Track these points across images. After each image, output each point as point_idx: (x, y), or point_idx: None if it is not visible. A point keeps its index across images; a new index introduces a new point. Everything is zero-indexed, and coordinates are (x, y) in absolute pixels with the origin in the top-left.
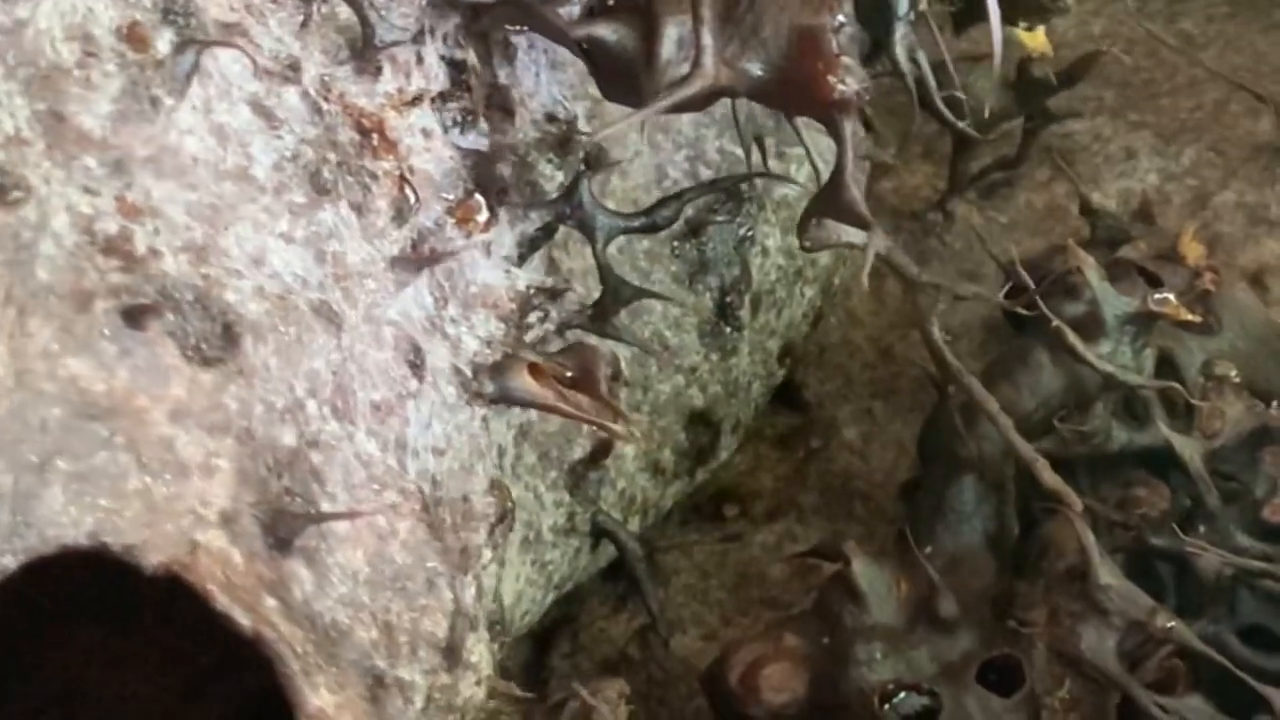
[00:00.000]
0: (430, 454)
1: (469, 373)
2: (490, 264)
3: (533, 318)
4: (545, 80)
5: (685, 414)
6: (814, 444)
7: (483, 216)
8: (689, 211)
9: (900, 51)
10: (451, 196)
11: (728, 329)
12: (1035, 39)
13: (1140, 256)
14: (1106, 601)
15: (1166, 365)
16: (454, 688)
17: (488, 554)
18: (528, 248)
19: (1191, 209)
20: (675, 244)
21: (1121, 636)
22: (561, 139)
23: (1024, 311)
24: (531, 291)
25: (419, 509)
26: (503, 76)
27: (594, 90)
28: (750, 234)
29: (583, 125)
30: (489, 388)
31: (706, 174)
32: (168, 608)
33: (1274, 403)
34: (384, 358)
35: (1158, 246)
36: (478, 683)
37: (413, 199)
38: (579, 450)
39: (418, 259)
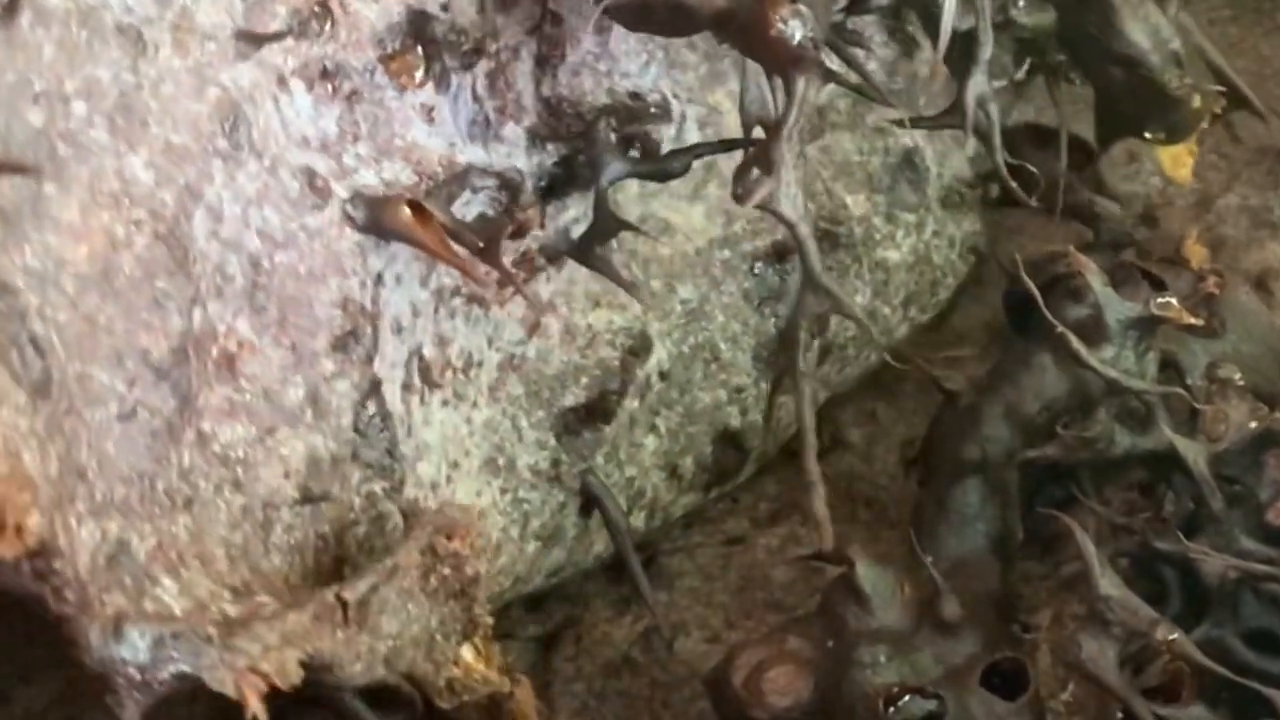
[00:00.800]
0: (253, 233)
1: (331, 184)
2: (429, 129)
3: (477, 196)
4: (655, 70)
5: (719, 430)
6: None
7: (419, 74)
8: (780, 235)
9: (971, 98)
10: (389, 48)
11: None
12: (1178, 164)
13: (1144, 260)
14: (1108, 612)
15: (1170, 369)
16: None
17: (333, 367)
18: (547, 180)
19: (1195, 212)
20: (757, 264)
21: (1124, 643)
22: (630, 113)
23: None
24: (472, 170)
25: (166, 234)
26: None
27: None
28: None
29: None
30: (359, 213)
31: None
32: None
33: None
34: (197, 110)
35: (1161, 250)
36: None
37: (327, 24)
38: (572, 398)
39: (315, 77)
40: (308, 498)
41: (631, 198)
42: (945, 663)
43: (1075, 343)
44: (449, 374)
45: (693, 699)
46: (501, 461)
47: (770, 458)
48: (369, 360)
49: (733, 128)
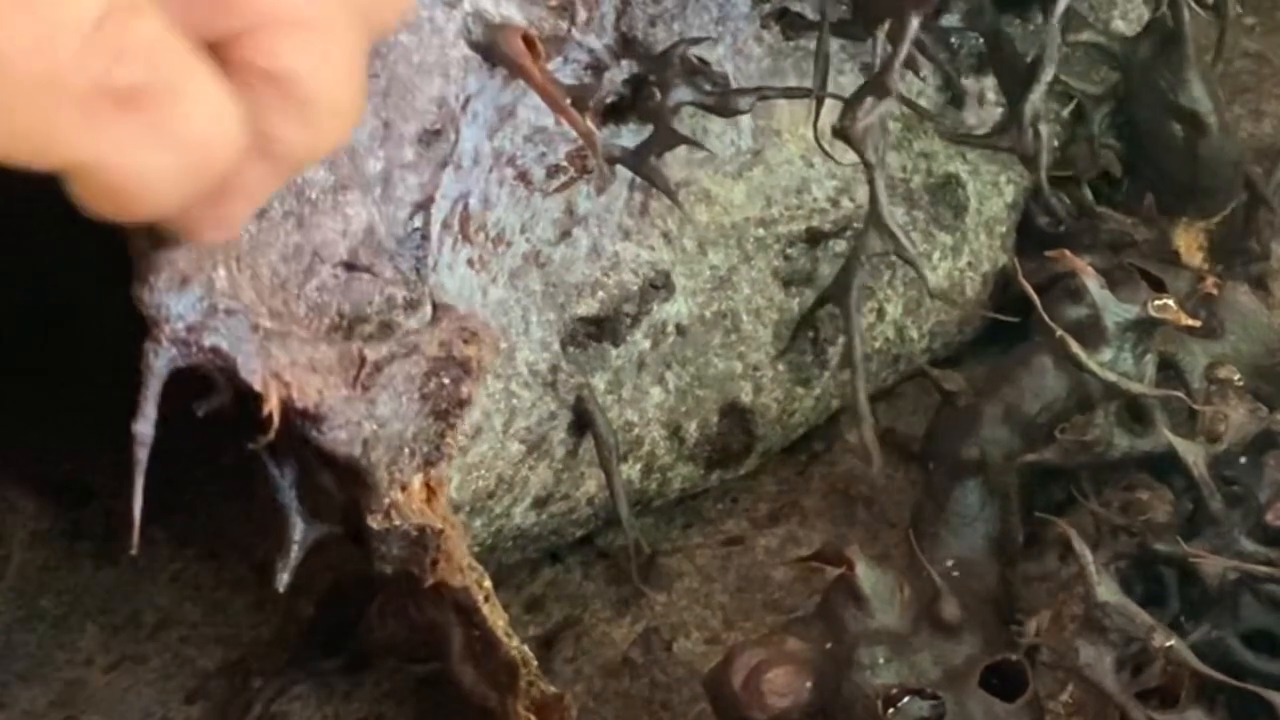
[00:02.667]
0: None
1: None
2: None
3: (568, 66)
4: (721, 50)
5: (728, 401)
6: (816, 447)
7: None
8: (815, 222)
9: (1032, 112)
10: None
11: (809, 357)
12: (1191, 249)
13: (1143, 260)
14: (1105, 619)
15: (1169, 369)
16: None
17: (411, 156)
18: (613, 98)
19: None
20: (790, 245)
21: (1121, 648)
22: (695, 69)
23: (1008, 319)
24: (571, 39)
25: None
26: None
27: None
28: (870, 287)
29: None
30: (477, 29)
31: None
32: (171, 609)
33: None
34: None
35: (1160, 250)
36: None
37: None
38: (585, 308)
39: None
40: (352, 264)
41: (679, 161)
42: (945, 664)
43: (1074, 346)
44: (481, 237)
45: (692, 700)
46: (502, 346)
47: (773, 454)
48: (442, 165)
49: (784, 124)
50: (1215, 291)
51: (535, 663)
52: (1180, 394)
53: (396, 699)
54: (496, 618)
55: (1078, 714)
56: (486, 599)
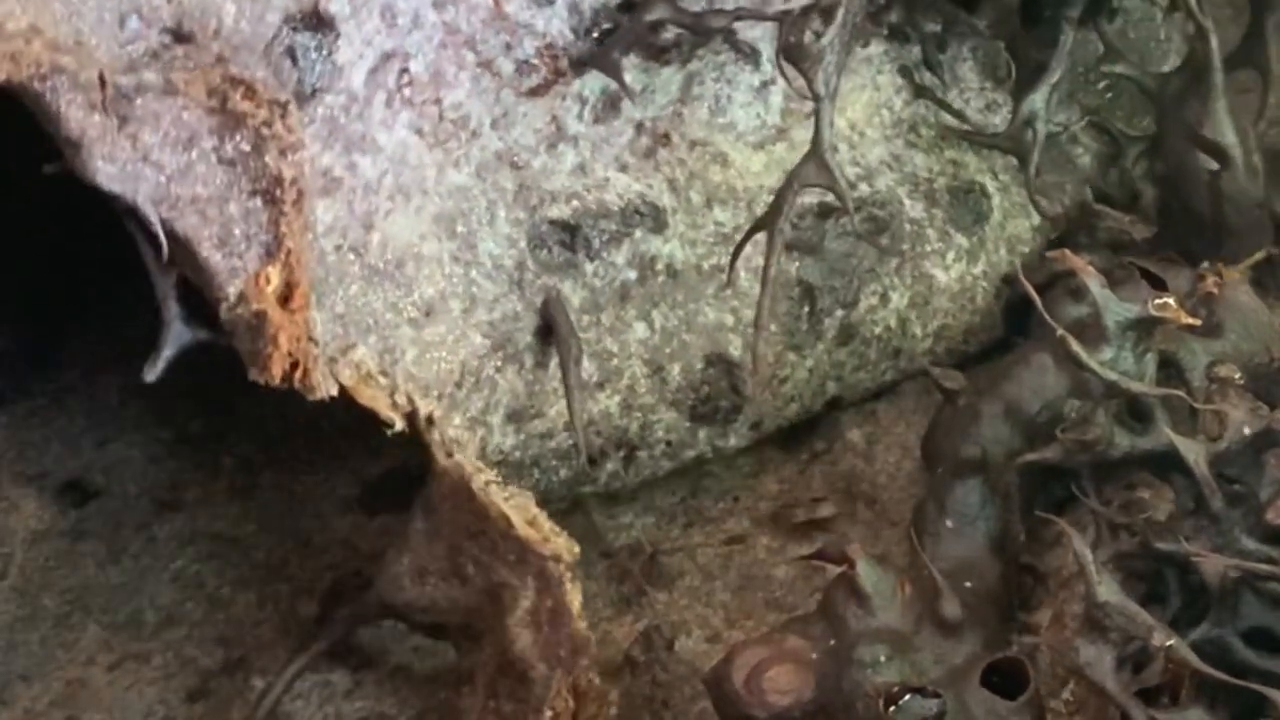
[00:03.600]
0: None
1: None
2: None
3: None
4: None
5: (716, 351)
6: (818, 446)
7: None
8: (829, 199)
9: (1030, 109)
10: None
11: (804, 325)
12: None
13: (1143, 258)
14: (1105, 618)
15: (1170, 367)
16: None
17: None
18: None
19: None
20: (800, 216)
21: (1121, 647)
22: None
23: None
24: None
25: None
26: None
27: None
28: (875, 270)
29: None
30: None
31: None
32: (173, 608)
33: None
34: None
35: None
36: None
37: None
38: (557, 212)
39: None
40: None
41: (699, 122)
42: (946, 662)
43: (1075, 345)
44: (434, 111)
45: (694, 698)
46: (460, 229)
47: (767, 432)
48: None
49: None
50: (1216, 290)
51: (595, 652)
52: (1181, 393)
53: (399, 697)
54: (575, 594)
55: (1079, 712)
56: (572, 578)
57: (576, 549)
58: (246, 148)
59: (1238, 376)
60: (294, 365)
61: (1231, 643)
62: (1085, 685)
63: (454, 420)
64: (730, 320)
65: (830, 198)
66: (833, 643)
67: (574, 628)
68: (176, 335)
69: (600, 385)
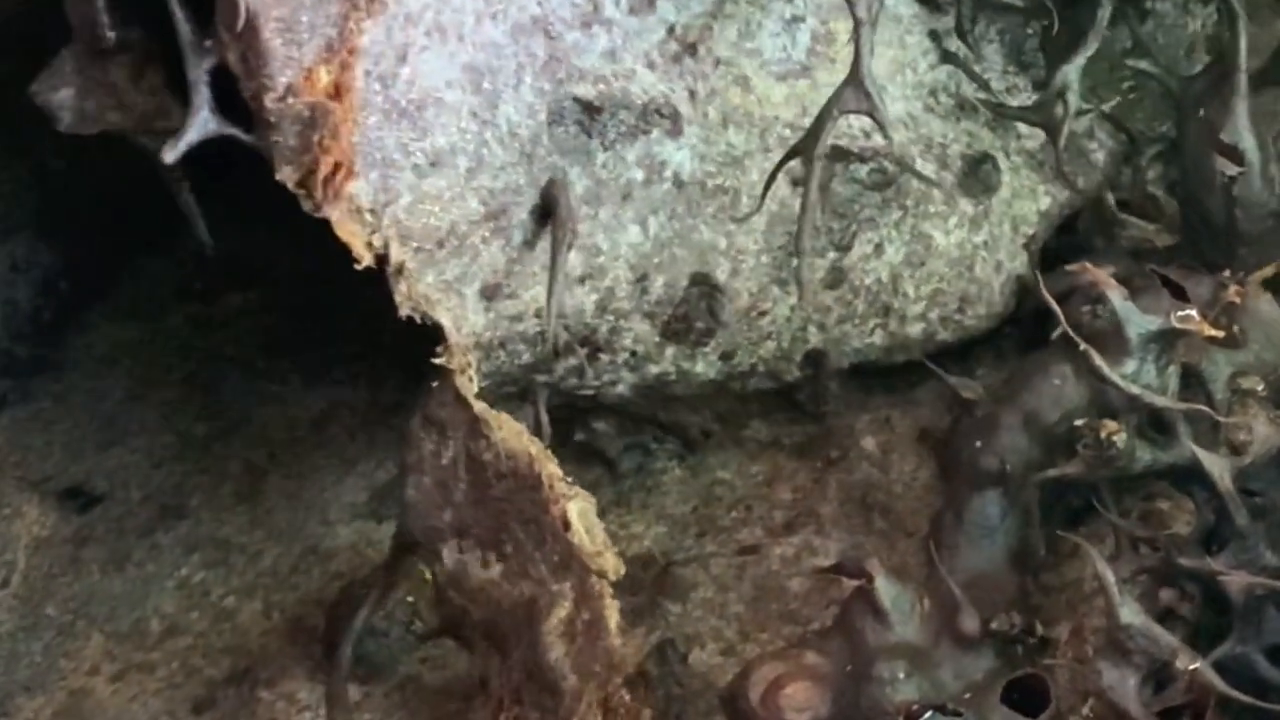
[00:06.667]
0: None
1: None
2: None
3: None
4: None
5: (702, 272)
6: (832, 454)
7: None
8: (844, 143)
9: (1063, 80)
10: None
11: (795, 260)
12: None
13: (1165, 268)
14: (1128, 641)
15: (1192, 379)
16: None
17: None
18: None
19: None
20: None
21: (1144, 670)
22: None
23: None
24: None
25: None
26: None
27: None
28: (875, 220)
29: None
30: None
31: None
32: (177, 618)
33: None
34: None
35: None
36: None
37: None
38: (583, 91)
39: None
40: None
41: (728, 41)
42: (965, 678)
43: (1097, 359)
44: None
45: (708, 713)
46: (486, 85)
47: (738, 366)
48: None
49: (841, 57)
50: (1238, 300)
51: (630, 671)
52: (1204, 407)
53: (408, 709)
54: (613, 610)
55: None
56: (610, 595)
57: (623, 570)
58: None
59: (1260, 389)
60: (337, 166)
61: (1255, 660)
62: (1105, 703)
63: (426, 278)
64: (723, 243)
65: (845, 144)
66: (850, 659)
67: (609, 643)
68: (202, 122)
69: (581, 280)
